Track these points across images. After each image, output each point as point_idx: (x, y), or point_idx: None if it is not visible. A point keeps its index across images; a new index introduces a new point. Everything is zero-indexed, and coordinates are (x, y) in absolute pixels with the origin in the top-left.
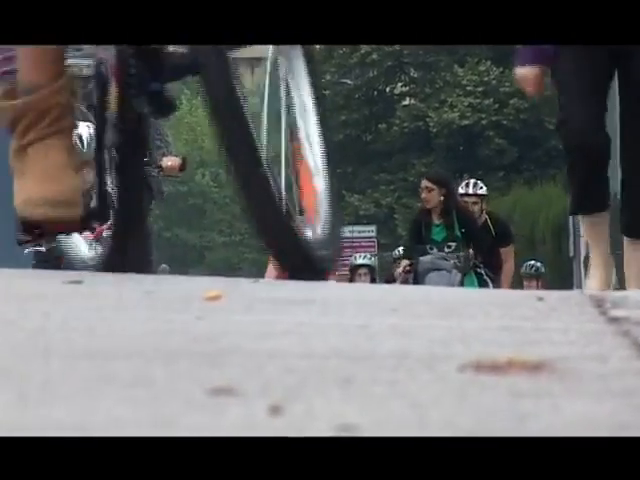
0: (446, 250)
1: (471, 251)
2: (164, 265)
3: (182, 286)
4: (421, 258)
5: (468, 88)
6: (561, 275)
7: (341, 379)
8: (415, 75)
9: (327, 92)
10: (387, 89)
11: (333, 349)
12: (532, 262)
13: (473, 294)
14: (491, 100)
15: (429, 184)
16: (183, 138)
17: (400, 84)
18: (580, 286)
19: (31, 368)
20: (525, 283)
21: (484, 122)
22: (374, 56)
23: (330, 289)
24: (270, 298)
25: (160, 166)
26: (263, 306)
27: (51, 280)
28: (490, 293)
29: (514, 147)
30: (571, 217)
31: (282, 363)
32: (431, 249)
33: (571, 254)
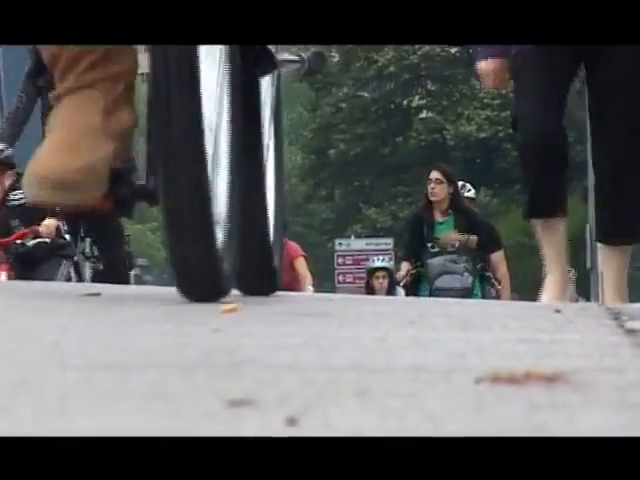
0: (449, 250)
1: (475, 253)
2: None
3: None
4: (430, 261)
5: (485, 101)
6: (578, 287)
7: (358, 391)
8: (432, 88)
9: (344, 105)
10: (404, 102)
11: (350, 361)
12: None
13: (490, 306)
14: (508, 113)
15: (440, 176)
16: None
17: (417, 97)
18: (597, 298)
19: (48, 381)
20: None
21: (501, 135)
22: (391, 69)
23: (347, 302)
24: (287, 310)
25: None
26: (280, 318)
27: (68, 293)
28: (507, 305)
29: None
30: (588, 229)
31: (299, 375)
32: (433, 248)
33: (588, 266)
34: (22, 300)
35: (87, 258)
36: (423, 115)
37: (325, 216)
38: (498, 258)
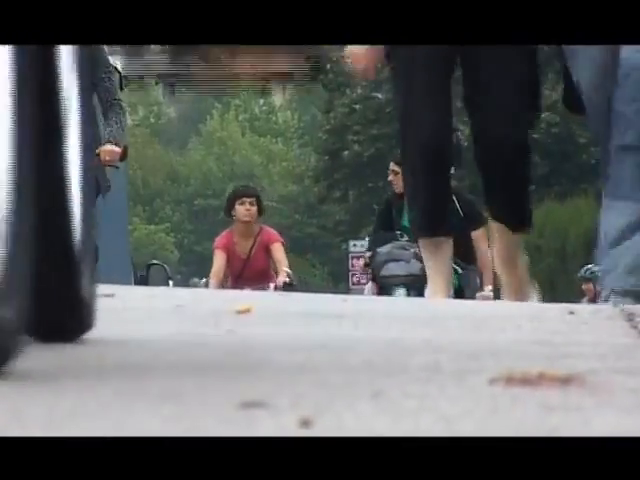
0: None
1: None
2: (196, 279)
3: (213, 300)
4: (379, 249)
5: None
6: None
7: (372, 393)
8: None
9: (358, 106)
10: None
11: (364, 363)
12: (590, 266)
13: (505, 307)
14: None
15: (395, 167)
16: (214, 152)
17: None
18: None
19: (61, 381)
20: (583, 286)
21: None
22: None
23: (362, 303)
24: (301, 311)
25: (98, 155)
26: (294, 319)
27: None
28: (522, 307)
29: (545, 161)
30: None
31: (313, 377)
32: (402, 236)
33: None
34: None
35: None
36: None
37: (339, 217)
38: (479, 236)
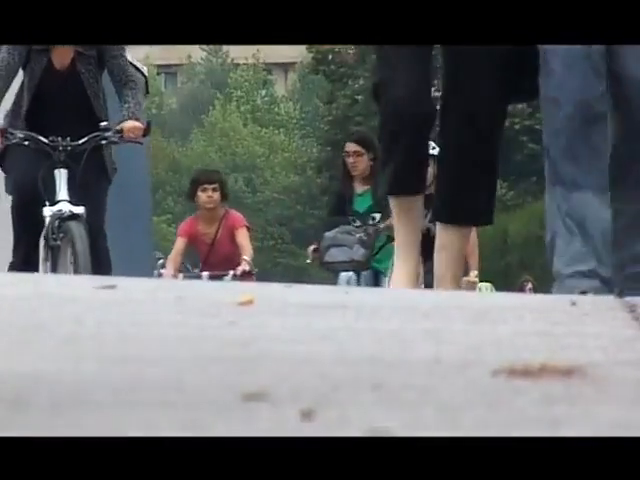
0: (370, 222)
1: (387, 223)
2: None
3: (214, 291)
4: (325, 234)
5: None
6: None
7: (374, 384)
8: None
9: (360, 97)
10: None
11: (366, 354)
12: None
13: (506, 299)
14: (524, 105)
15: (358, 148)
16: (216, 143)
17: (433, 89)
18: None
19: (63, 373)
20: None
21: (517, 127)
22: None
23: (364, 294)
24: (303, 303)
25: (120, 130)
26: (295, 311)
27: (84, 285)
28: (524, 298)
29: None
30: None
31: (314, 368)
32: (354, 222)
33: None
34: (37, 292)
35: None
36: (439, 107)
37: None
38: None
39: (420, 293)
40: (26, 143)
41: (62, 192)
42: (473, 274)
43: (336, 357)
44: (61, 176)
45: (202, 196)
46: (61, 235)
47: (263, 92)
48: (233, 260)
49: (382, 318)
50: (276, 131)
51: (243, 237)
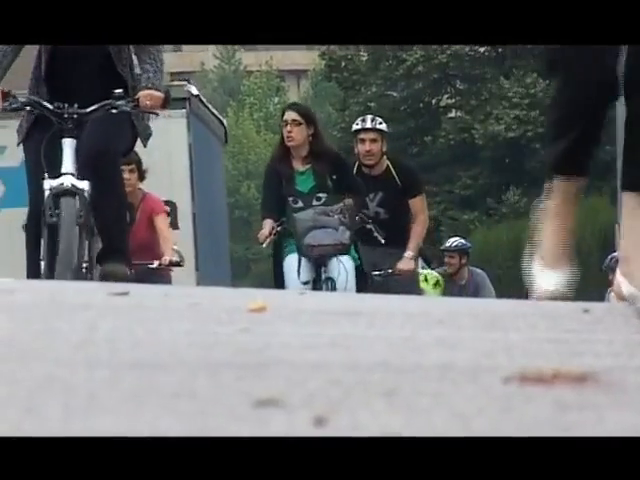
0: (315, 203)
1: (351, 203)
2: None
3: (227, 298)
4: (297, 215)
5: (514, 100)
6: (607, 287)
7: (386, 391)
8: (461, 87)
9: (372, 104)
10: (433, 101)
11: (378, 361)
12: (616, 254)
13: (518, 306)
14: (537, 112)
15: (296, 116)
16: (229, 150)
17: (446, 96)
18: None
19: (77, 379)
20: (610, 277)
21: (530, 134)
22: (420, 68)
23: (376, 301)
24: (315, 310)
25: (135, 99)
26: (308, 318)
27: (97, 292)
28: (536, 305)
29: None
30: (617, 229)
31: (327, 375)
32: (296, 203)
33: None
34: (50, 299)
35: None
36: (452, 114)
37: None
38: (418, 204)
39: (433, 300)
40: (28, 108)
41: (67, 164)
42: (408, 254)
43: (348, 364)
44: (67, 146)
45: None
46: (57, 212)
47: (276, 99)
48: (152, 250)
49: (394, 325)
50: None
51: (163, 223)
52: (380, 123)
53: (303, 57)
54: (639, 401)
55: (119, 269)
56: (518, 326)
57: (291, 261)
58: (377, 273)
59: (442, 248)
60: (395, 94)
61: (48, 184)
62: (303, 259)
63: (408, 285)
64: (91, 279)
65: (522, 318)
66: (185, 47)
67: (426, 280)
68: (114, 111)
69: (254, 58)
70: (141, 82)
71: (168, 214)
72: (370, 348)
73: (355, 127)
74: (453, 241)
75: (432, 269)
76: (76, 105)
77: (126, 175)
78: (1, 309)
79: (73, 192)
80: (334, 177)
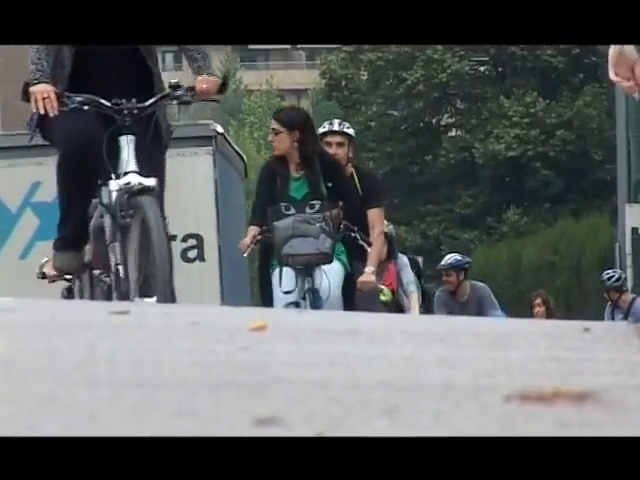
0: (308, 211)
1: (337, 211)
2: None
3: (227, 317)
4: (277, 223)
5: (514, 119)
6: (607, 304)
7: (386, 409)
8: (461, 106)
9: (373, 124)
10: (433, 120)
11: (379, 379)
12: (611, 272)
13: (519, 325)
14: (537, 131)
15: (275, 125)
16: None
17: (446, 115)
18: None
19: (77, 398)
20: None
21: (530, 153)
22: (420, 87)
23: (376, 319)
24: (315, 328)
25: (192, 88)
26: (308, 336)
27: (97, 311)
28: (537, 324)
29: (560, 178)
30: (617, 248)
31: (327, 393)
32: (288, 209)
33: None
34: (51, 318)
35: None
36: (452, 133)
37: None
38: (375, 215)
39: (434, 319)
40: (85, 108)
41: (130, 162)
42: (369, 269)
43: (349, 382)
44: (128, 143)
45: None
46: (131, 212)
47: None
48: None
49: (395, 344)
50: None
51: None
52: (348, 127)
53: (303, 76)
54: (639, 419)
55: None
56: (519, 345)
57: (277, 271)
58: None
59: (438, 267)
60: (395, 113)
61: (115, 184)
62: (288, 269)
63: (369, 299)
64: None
65: (523, 337)
66: (186, 64)
67: (383, 293)
68: (174, 102)
69: (254, 77)
70: (194, 70)
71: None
72: (370, 367)
73: (322, 130)
74: (448, 258)
75: (422, 284)
76: (134, 100)
77: None
78: (2, 328)
79: (148, 190)
80: (329, 184)
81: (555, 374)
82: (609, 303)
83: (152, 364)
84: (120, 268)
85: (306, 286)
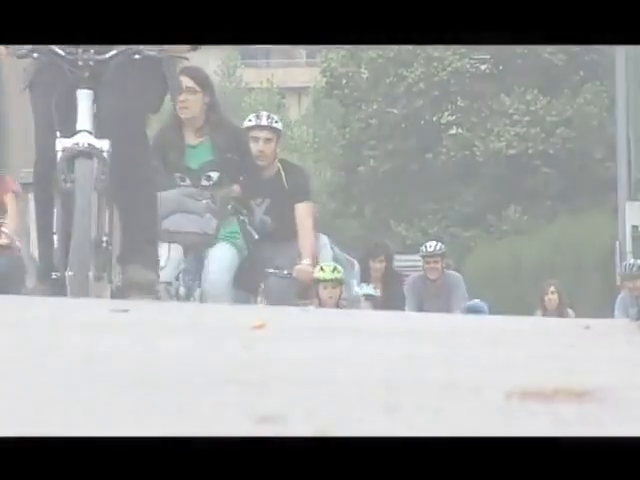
0: (204, 183)
1: (235, 187)
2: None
3: (229, 315)
4: (162, 194)
5: (515, 117)
6: (608, 304)
7: (387, 407)
8: (462, 104)
9: (374, 121)
10: (434, 118)
11: (379, 377)
12: (632, 261)
13: (520, 322)
14: (538, 129)
15: (191, 82)
16: None
17: (447, 113)
18: (627, 315)
19: (78, 396)
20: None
21: (531, 151)
22: (421, 85)
23: (377, 317)
24: (317, 327)
25: None
26: (309, 334)
27: (98, 309)
28: (537, 321)
29: (561, 176)
30: (617, 246)
31: (328, 391)
32: (182, 180)
33: (618, 283)
34: (51, 316)
35: None
36: (453, 131)
37: (354, 233)
38: (302, 210)
39: (434, 316)
40: (35, 55)
41: (82, 120)
42: (305, 262)
43: (350, 380)
44: (82, 99)
45: None
46: (72, 176)
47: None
48: None
49: (396, 341)
50: (289, 155)
51: (10, 204)
52: (276, 122)
53: (304, 74)
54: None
55: (145, 276)
56: (519, 342)
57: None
58: (273, 271)
59: (422, 254)
60: (396, 111)
61: (61, 144)
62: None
63: (305, 289)
64: (110, 256)
65: (524, 334)
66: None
67: (322, 270)
68: (137, 56)
69: (255, 75)
70: None
71: (16, 193)
72: (371, 364)
73: (248, 123)
74: (433, 245)
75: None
76: (92, 50)
77: None
78: (2, 326)
79: (90, 153)
80: (235, 156)
81: (556, 372)
82: (621, 294)
83: (153, 362)
84: (55, 238)
85: (181, 266)
